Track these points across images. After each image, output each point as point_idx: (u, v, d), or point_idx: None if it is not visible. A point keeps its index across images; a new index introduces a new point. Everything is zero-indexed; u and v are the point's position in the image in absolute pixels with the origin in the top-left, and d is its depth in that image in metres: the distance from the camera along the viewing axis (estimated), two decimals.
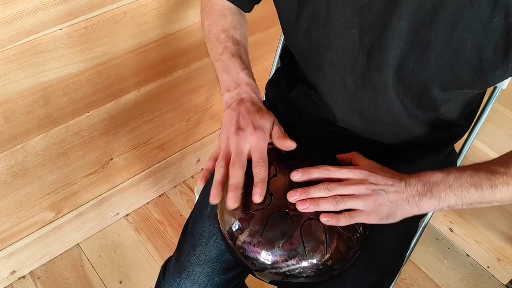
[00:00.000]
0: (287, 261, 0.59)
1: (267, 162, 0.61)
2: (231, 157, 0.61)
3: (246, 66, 0.71)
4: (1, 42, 0.88)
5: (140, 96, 1.22)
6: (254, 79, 0.70)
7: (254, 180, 0.60)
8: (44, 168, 1.16)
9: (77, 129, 1.15)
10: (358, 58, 0.63)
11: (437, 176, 0.61)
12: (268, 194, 0.62)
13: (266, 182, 0.60)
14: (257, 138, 0.62)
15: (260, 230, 0.60)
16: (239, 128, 0.63)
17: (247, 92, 0.67)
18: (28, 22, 0.89)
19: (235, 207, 0.59)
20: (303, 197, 0.60)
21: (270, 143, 0.65)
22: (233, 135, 0.63)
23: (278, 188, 0.61)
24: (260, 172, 0.60)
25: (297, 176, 0.61)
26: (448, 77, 0.60)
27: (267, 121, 0.64)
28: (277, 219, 0.60)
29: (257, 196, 0.59)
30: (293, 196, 0.60)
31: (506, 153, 0.64)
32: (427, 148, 0.80)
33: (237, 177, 0.60)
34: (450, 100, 0.68)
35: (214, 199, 0.60)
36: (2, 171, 1.08)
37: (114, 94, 1.16)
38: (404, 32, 0.58)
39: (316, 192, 0.60)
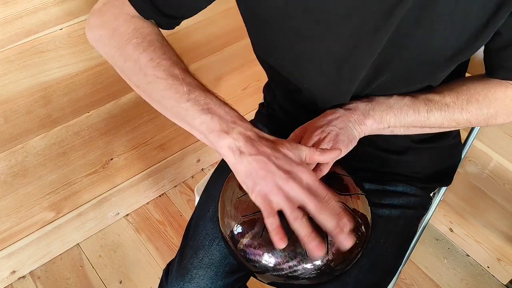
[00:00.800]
0: (288, 262, 0.59)
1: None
2: (311, 205, 0.51)
3: (222, 98, 0.60)
4: (1, 42, 0.88)
5: (140, 96, 1.22)
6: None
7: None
8: (44, 168, 1.16)
9: (77, 129, 1.15)
10: (358, 46, 0.61)
11: (379, 98, 0.67)
12: None
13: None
14: (307, 172, 0.53)
15: (260, 232, 0.60)
16: (284, 172, 0.52)
17: (248, 128, 0.55)
18: (28, 22, 0.89)
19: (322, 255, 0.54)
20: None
21: None
22: (285, 182, 0.52)
23: None
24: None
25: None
26: (454, 48, 0.60)
27: (297, 149, 0.56)
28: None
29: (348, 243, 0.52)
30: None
31: (445, 84, 0.69)
32: (427, 141, 0.79)
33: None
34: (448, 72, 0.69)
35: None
36: (2, 171, 1.08)
37: (114, 94, 1.16)
38: (409, 13, 0.56)
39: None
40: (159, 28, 0.65)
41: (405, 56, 0.62)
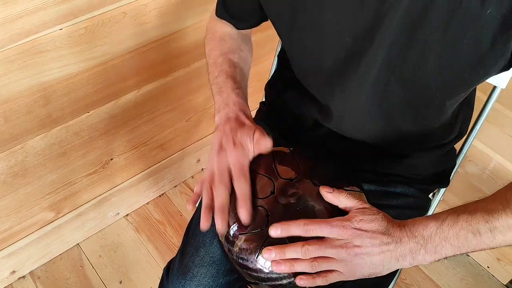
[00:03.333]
0: (284, 279, 0.58)
1: (248, 177, 0.61)
2: (214, 178, 0.62)
3: (239, 86, 0.71)
4: (1, 42, 0.88)
5: (140, 96, 1.22)
6: (245, 98, 0.71)
7: (237, 198, 0.59)
8: (44, 168, 1.16)
9: (77, 129, 1.15)
10: (348, 65, 0.62)
11: (431, 228, 0.56)
12: (265, 215, 0.60)
13: (249, 197, 0.59)
14: (237, 154, 0.62)
15: (257, 252, 0.59)
16: (221, 148, 0.63)
17: (234, 111, 0.67)
18: (28, 22, 0.89)
19: (224, 231, 0.59)
20: (277, 257, 0.56)
21: (268, 156, 0.65)
22: (215, 156, 0.63)
23: (275, 208, 0.60)
24: (241, 188, 0.60)
25: (275, 232, 0.57)
26: (450, 77, 0.60)
27: (247, 135, 0.64)
28: (274, 241, 0.58)
29: (244, 215, 0.59)
30: (267, 254, 0.56)
31: (504, 187, 0.59)
32: (425, 150, 0.80)
33: (220, 197, 0.60)
34: (451, 104, 0.68)
35: (204, 225, 0.60)
36: (2, 171, 1.08)
37: (114, 94, 1.16)
38: (397, 34, 0.57)
39: (292, 253, 0.56)
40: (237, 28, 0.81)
41: (401, 82, 0.62)
